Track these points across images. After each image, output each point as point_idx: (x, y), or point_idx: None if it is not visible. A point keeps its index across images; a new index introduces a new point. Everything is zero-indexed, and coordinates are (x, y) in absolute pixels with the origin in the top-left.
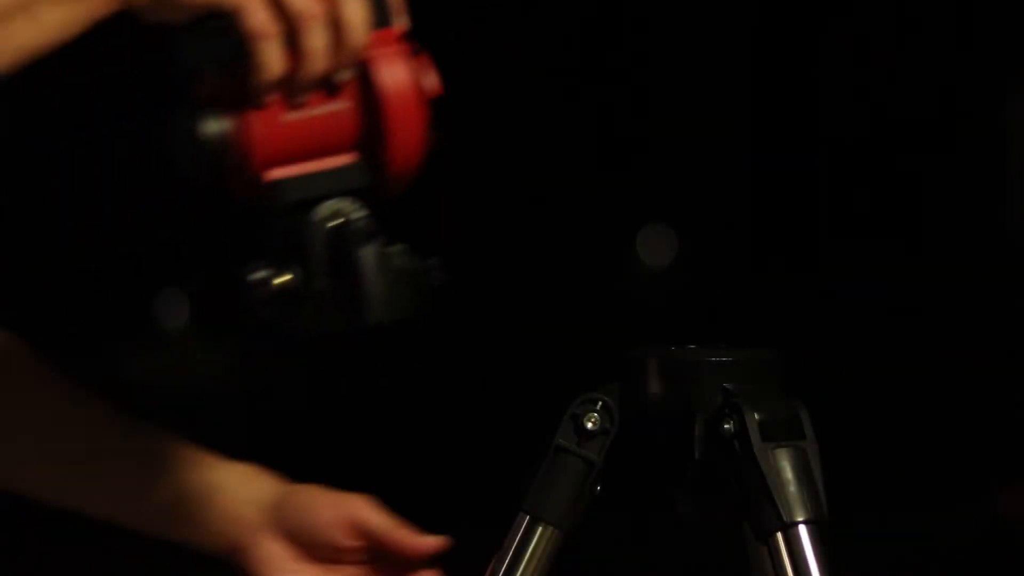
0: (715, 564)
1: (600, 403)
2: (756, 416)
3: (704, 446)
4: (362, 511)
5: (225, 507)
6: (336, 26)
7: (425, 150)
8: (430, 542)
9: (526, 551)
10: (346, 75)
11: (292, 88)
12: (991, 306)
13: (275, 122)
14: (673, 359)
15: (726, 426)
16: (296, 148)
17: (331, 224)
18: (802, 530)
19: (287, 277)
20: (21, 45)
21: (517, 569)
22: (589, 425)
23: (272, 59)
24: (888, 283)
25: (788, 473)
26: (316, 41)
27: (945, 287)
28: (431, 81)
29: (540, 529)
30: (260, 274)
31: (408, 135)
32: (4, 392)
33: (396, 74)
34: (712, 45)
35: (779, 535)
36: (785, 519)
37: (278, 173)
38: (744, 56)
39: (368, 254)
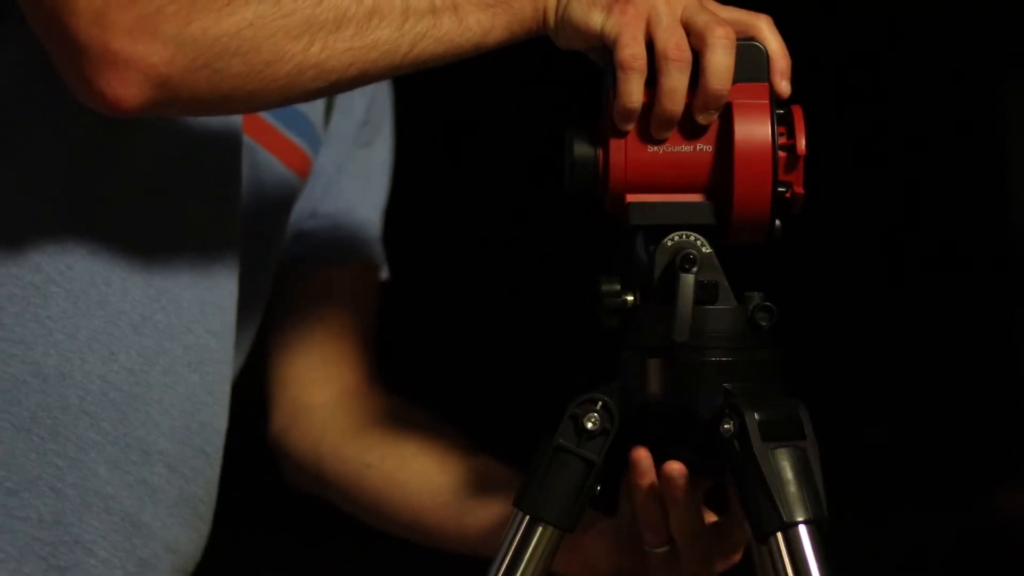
0: None
1: (600, 403)
2: (756, 416)
3: (704, 446)
4: None
5: None
6: (701, 71)
7: (774, 205)
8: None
9: (526, 551)
10: (706, 119)
11: (651, 123)
12: (991, 306)
13: (636, 153)
14: (673, 359)
15: (726, 426)
16: (652, 179)
17: (672, 251)
18: (802, 530)
19: (631, 293)
20: (442, 38)
21: (517, 569)
22: (589, 425)
23: (631, 90)
24: (888, 283)
25: (788, 473)
26: (673, 81)
27: (946, 287)
28: (798, 141)
29: (540, 529)
30: (612, 286)
31: (753, 187)
32: (400, 443)
33: (751, 126)
34: None
35: (779, 535)
36: (785, 519)
37: (635, 197)
38: None
39: (688, 281)
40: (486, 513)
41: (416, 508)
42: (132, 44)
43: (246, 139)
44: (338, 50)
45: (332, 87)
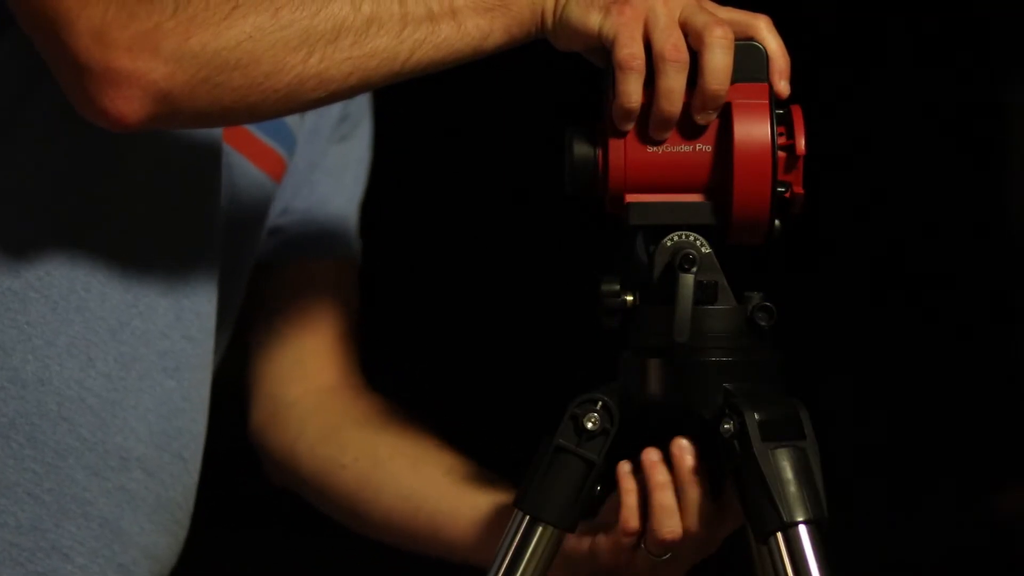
0: (716, 564)
1: (600, 403)
2: (756, 416)
3: (704, 446)
4: None
5: None
6: (699, 71)
7: (774, 205)
8: None
9: (526, 551)
10: (704, 119)
11: (650, 123)
12: (991, 307)
13: (635, 153)
14: (673, 359)
15: (726, 426)
16: (651, 179)
17: (671, 251)
18: (802, 530)
19: (631, 294)
20: (440, 43)
21: (517, 569)
22: (589, 425)
23: (629, 90)
24: (888, 283)
25: (788, 473)
26: (670, 82)
27: (946, 288)
28: (798, 141)
29: (540, 529)
30: (612, 286)
31: (752, 187)
32: (385, 446)
33: (751, 126)
34: None
35: (779, 535)
36: (785, 519)
37: (635, 198)
38: None
39: (687, 281)
40: (458, 518)
41: (388, 511)
42: (132, 61)
43: (223, 145)
44: (337, 60)
45: (333, 96)
